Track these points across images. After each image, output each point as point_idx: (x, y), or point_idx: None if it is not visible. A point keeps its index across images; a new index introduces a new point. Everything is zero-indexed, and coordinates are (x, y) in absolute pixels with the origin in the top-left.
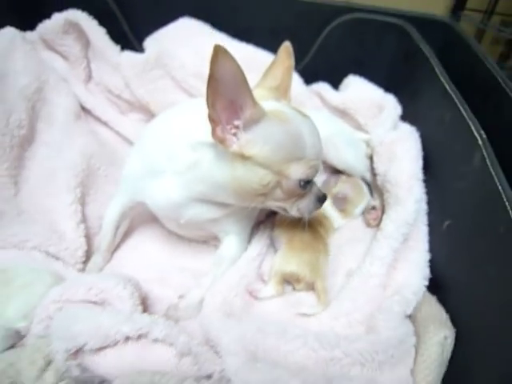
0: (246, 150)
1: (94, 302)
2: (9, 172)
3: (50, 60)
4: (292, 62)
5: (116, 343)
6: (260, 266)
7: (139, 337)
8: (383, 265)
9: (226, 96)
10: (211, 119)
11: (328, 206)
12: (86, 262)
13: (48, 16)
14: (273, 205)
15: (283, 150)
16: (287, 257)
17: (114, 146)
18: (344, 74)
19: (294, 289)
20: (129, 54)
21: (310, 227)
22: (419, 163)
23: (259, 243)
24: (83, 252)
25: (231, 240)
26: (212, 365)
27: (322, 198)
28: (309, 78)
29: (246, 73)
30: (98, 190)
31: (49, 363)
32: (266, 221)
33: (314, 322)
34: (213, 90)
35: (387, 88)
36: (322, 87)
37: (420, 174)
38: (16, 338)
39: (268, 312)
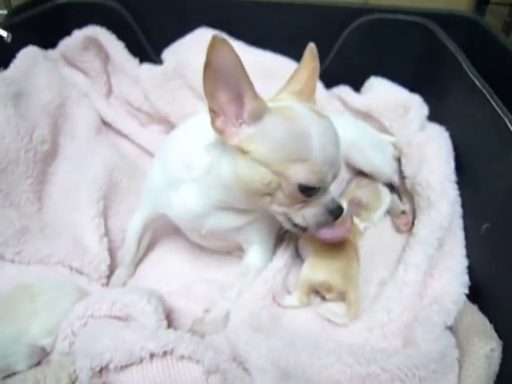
0: (245, 144)
1: (119, 318)
2: (33, 187)
3: (71, 76)
4: (317, 63)
5: (141, 360)
6: (286, 278)
7: (164, 353)
8: (418, 272)
9: (226, 87)
10: (211, 110)
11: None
12: (109, 277)
13: (68, 33)
14: (278, 210)
15: (284, 149)
16: (315, 266)
17: (135, 158)
18: (365, 77)
19: (323, 299)
20: (147, 67)
21: None
22: (451, 164)
23: (285, 254)
24: (106, 266)
25: (255, 250)
26: (241, 382)
27: (335, 211)
28: (329, 82)
29: (265, 80)
30: (121, 202)
31: (73, 381)
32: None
33: (346, 334)
34: (210, 80)
35: (412, 88)
36: (343, 90)
37: (452, 176)
38: (41, 355)
39: (297, 324)
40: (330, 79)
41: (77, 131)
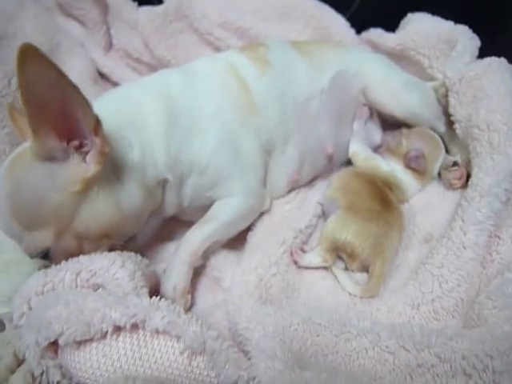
0: None
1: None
2: (9, 138)
3: (67, 26)
4: None
5: (103, 335)
6: (307, 242)
7: (134, 327)
8: (482, 232)
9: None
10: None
11: (400, 171)
12: None
13: None
14: None
15: None
16: (343, 221)
17: None
18: (400, 18)
19: (346, 269)
20: (146, 8)
21: (380, 194)
22: None
23: (307, 213)
24: None
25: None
26: (236, 369)
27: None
28: (357, 27)
29: (283, 22)
30: None
31: (20, 362)
32: (314, 185)
33: (383, 311)
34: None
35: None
36: (374, 33)
37: None
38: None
39: (318, 297)
40: (359, 23)
41: None
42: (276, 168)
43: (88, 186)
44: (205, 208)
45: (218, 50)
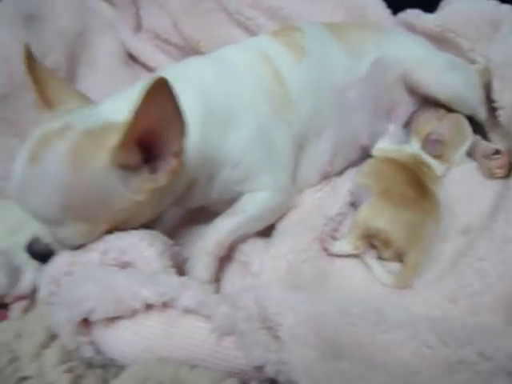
0: None
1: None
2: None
3: (97, 6)
4: None
5: (133, 313)
6: (338, 229)
7: (164, 305)
8: None
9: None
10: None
11: (421, 151)
12: None
13: None
14: None
15: None
16: (377, 208)
17: None
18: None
19: (378, 258)
20: None
21: (414, 179)
22: None
23: (338, 200)
24: None
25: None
26: (265, 351)
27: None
28: (394, 7)
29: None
30: None
31: (53, 337)
32: (345, 173)
33: (419, 303)
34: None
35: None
36: (411, 13)
37: None
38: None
39: (349, 285)
40: (395, 3)
41: (98, 61)
42: (308, 160)
43: (151, 194)
44: (231, 200)
45: (247, 30)
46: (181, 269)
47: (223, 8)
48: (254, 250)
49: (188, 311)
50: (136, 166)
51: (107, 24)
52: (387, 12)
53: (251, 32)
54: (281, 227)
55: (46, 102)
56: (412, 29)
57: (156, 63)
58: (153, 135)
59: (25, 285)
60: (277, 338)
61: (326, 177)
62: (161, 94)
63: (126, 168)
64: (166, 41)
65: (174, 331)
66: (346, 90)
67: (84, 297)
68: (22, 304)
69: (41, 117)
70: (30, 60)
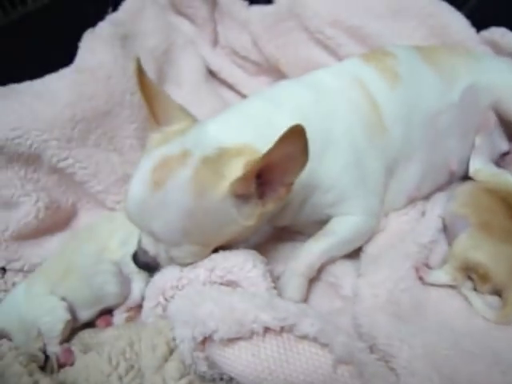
0: None
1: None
2: (137, 133)
3: (178, 24)
4: None
5: (251, 335)
6: (429, 256)
7: (281, 330)
8: None
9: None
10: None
11: None
12: None
13: None
14: None
15: None
16: (477, 240)
17: None
18: None
19: (474, 289)
20: (258, 7)
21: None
22: None
23: (430, 227)
24: None
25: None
26: (384, 383)
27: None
28: (476, 25)
29: (395, 19)
30: None
31: (172, 350)
32: (431, 197)
33: None
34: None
35: None
36: (496, 32)
37: None
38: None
39: (448, 317)
40: (478, 21)
41: (183, 78)
42: (396, 185)
43: (259, 218)
44: (317, 221)
45: (327, 48)
46: None
47: (304, 27)
48: (343, 272)
49: (306, 337)
50: (249, 194)
51: (188, 41)
52: (472, 31)
53: (331, 51)
54: (370, 251)
55: (157, 118)
56: (497, 48)
57: (234, 79)
58: (273, 168)
59: (135, 295)
60: (392, 369)
61: (412, 201)
62: (296, 139)
63: (241, 196)
64: (245, 58)
65: (290, 355)
66: (437, 116)
67: (207, 317)
68: (131, 313)
69: (151, 136)
70: (141, 75)
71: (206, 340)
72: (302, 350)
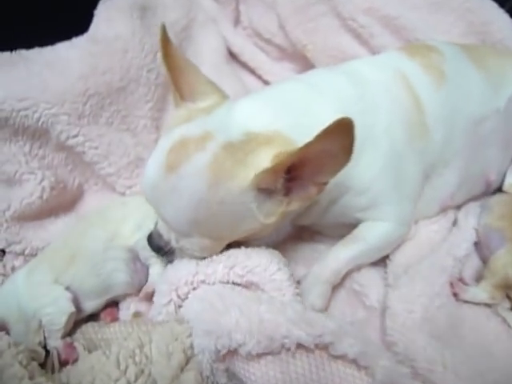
0: None
1: (238, 285)
2: (152, 114)
3: (200, 0)
4: None
5: (280, 350)
6: (461, 271)
7: (316, 347)
8: None
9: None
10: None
11: None
12: None
13: None
14: None
15: None
16: None
17: None
18: None
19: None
20: None
21: None
22: None
23: (465, 239)
24: None
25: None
26: None
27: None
28: None
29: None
30: None
31: (188, 359)
32: (462, 206)
33: None
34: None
35: None
36: None
37: None
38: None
39: (485, 340)
40: None
41: (203, 58)
42: (430, 192)
43: (280, 217)
44: (344, 224)
45: (358, 37)
46: None
47: (337, 13)
48: (369, 281)
49: (342, 358)
50: (274, 189)
51: (209, 19)
52: (509, 20)
53: (363, 40)
54: (398, 260)
55: (181, 93)
56: None
57: (256, 63)
58: (307, 164)
59: (153, 280)
60: None
61: (444, 210)
62: (343, 134)
63: (264, 191)
64: (268, 41)
65: (323, 375)
66: (481, 122)
67: (233, 328)
68: (142, 307)
69: (175, 112)
70: (167, 44)
71: (229, 352)
72: (336, 369)
